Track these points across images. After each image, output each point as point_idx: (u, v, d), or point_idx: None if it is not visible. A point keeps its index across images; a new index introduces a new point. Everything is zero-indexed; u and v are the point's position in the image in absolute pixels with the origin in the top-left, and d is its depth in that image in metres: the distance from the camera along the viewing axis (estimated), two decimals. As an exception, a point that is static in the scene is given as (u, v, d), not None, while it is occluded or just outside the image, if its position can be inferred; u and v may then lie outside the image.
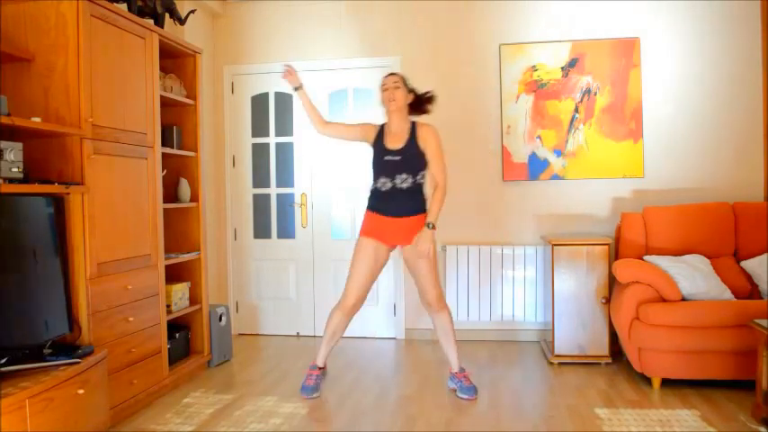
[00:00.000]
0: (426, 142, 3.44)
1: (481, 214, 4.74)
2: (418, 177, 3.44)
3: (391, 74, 3.53)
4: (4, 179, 2.51)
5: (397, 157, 3.41)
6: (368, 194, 3.57)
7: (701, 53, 4.48)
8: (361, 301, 3.56)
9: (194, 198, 4.04)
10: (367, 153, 4.89)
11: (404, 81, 3.49)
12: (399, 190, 3.41)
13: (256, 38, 5.02)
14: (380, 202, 3.47)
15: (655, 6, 4.51)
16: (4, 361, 2.47)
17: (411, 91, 3.52)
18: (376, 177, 3.48)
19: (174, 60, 3.99)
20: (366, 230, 3.51)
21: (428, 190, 3.50)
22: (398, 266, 4.83)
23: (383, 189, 3.44)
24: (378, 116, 4.86)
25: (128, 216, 3.27)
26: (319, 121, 3.62)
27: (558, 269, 4.04)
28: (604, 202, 4.60)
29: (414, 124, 3.49)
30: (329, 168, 4.99)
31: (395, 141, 3.45)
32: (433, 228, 3.42)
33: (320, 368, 3.65)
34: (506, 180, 4.70)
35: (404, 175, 3.40)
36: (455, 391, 3.57)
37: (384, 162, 3.43)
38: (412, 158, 3.42)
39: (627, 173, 4.55)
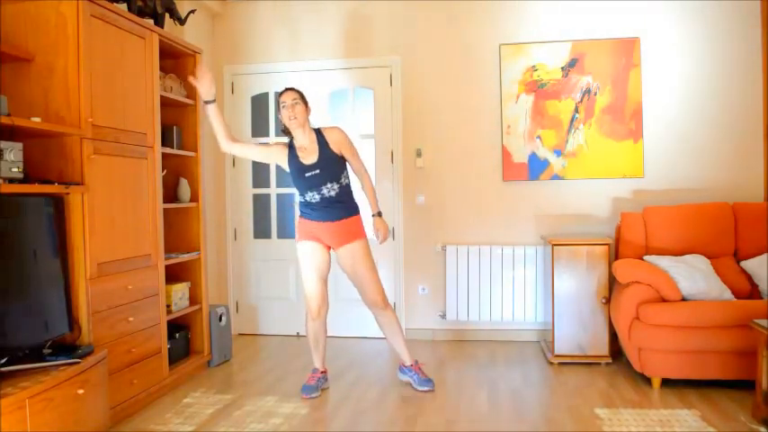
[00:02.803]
0: (339, 145, 3.52)
1: (481, 214, 4.73)
2: (342, 180, 3.52)
3: (287, 90, 3.51)
4: (4, 179, 2.51)
5: (317, 171, 3.45)
6: (299, 204, 3.63)
7: (702, 53, 4.48)
8: (323, 303, 3.60)
9: (194, 198, 4.04)
10: (367, 152, 4.91)
11: (301, 96, 3.49)
12: (329, 198, 3.48)
13: (256, 38, 5.02)
14: (313, 211, 3.52)
15: (655, 6, 4.51)
16: (4, 361, 2.47)
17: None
18: (302, 192, 3.52)
19: (174, 60, 3.99)
20: (301, 235, 3.58)
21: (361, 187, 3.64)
22: (399, 267, 4.83)
23: (313, 201, 3.49)
24: (380, 116, 4.89)
25: (128, 216, 3.27)
26: (227, 137, 3.52)
27: (558, 269, 4.04)
28: (604, 202, 4.60)
29: (319, 132, 3.54)
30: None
31: (308, 155, 3.48)
32: (381, 215, 3.60)
33: (321, 371, 3.68)
34: (506, 180, 4.69)
35: (329, 185, 3.47)
36: (410, 384, 3.64)
37: (306, 178, 3.46)
38: (330, 166, 3.47)
39: (627, 173, 4.55)
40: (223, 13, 5.03)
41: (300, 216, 3.61)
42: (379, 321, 3.68)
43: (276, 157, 3.59)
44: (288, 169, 3.55)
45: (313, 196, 3.48)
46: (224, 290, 5.11)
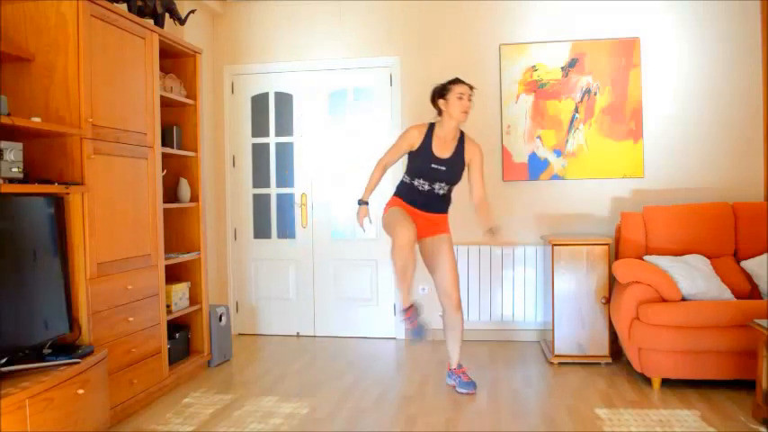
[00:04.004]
0: (473, 158, 3.52)
1: (481, 214, 4.73)
2: (453, 187, 3.55)
3: (463, 82, 3.46)
4: (4, 179, 2.51)
5: (443, 168, 3.45)
6: (399, 183, 3.60)
7: (701, 53, 4.49)
8: (414, 237, 3.29)
9: (194, 198, 4.04)
10: (367, 152, 4.91)
11: None
12: (435, 194, 3.50)
13: (256, 38, 5.02)
14: (415, 197, 3.50)
15: (655, 6, 4.51)
16: (4, 361, 2.47)
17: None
18: (414, 176, 3.48)
19: (174, 60, 3.99)
20: (396, 204, 3.51)
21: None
22: (398, 266, 4.82)
23: (420, 188, 3.48)
24: (380, 116, 4.89)
25: (128, 216, 3.27)
26: (381, 177, 3.58)
27: (558, 269, 4.04)
28: (604, 202, 4.60)
29: (463, 135, 3.53)
30: (329, 168, 4.99)
31: (443, 149, 3.46)
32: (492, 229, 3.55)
33: (407, 308, 3.35)
34: (506, 180, 4.69)
35: (443, 184, 3.48)
36: (454, 387, 3.61)
37: (430, 169, 3.44)
38: (455, 170, 3.48)
39: (627, 173, 4.55)
40: (223, 13, 5.03)
41: (398, 197, 3.55)
42: (446, 321, 3.62)
43: (412, 144, 3.47)
44: (414, 148, 3.46)
45: (422, 185, 3.46)
46: (224, 290, 5.11)
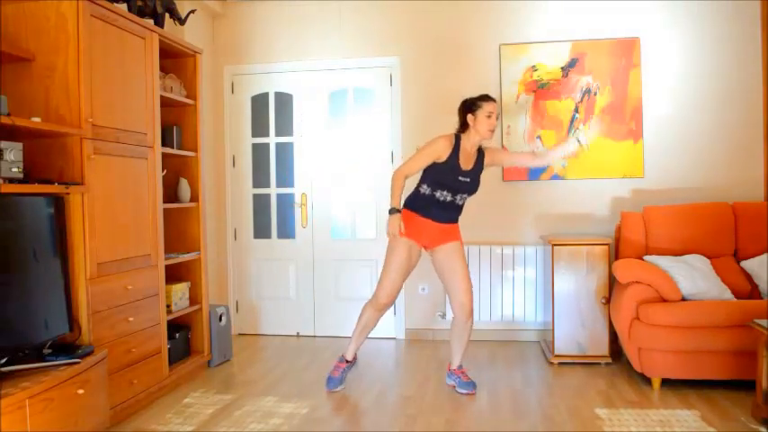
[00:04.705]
0: (494, 156, 3.62)
1: (481, 214, 4.72)
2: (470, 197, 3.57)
3: (493, 100, 3.45)
4: (4, 179, 2.51)
5: (467, 179, 3.46)
6: (413, 195, 3.54)
7: (701, 53, 4.49)
8: (394, 298, 3.60)
9: (194, 198, 4.04)
10: (367, 152, 4.91)
11: None
12: (457, 204, 3.51)
13: (256, 38, 5.02)
14: (431, 209, 3.47)
15: (655, 6, 4.51)
16: (4, 361, 2.47)
17: None
18: (436, 188, 3.44)
19: (174, 60, 3.99)
20: (405, 232, 3.46)
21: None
22: (398, 266, 4.82)
23: (441, 199, 3.45)
24: (380, 116, 4.89)
25: (128, 216, 3.27)
26: (403, 186, 3.46)
27: (558, 269, 4.04)
28: (604, 202, 4.60)
29: (480, 147, 3.55)
30: (329, 168, 4.99)
31: (467, 162, 3.46)
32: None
33: (348, 361, 3.70)
34: (506, 180, 4.70)
35: (465, 195, 3.50)
36: (454, 387, 3.62)
37: (456, 181, 3.43)
38: (477, 181, 3.52)
39: (627, 173, 4.55)
40: (223, 14, 5.03)
41: (410, 210, 3.50)
42: (456, 326, 3.60)
43: (439, 155, 3.42)
44: (441, 160, 3.41)
45: (445, 196, 3.44)
46: (224, 290, 5.11)
